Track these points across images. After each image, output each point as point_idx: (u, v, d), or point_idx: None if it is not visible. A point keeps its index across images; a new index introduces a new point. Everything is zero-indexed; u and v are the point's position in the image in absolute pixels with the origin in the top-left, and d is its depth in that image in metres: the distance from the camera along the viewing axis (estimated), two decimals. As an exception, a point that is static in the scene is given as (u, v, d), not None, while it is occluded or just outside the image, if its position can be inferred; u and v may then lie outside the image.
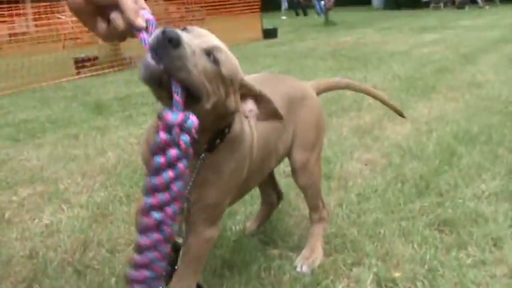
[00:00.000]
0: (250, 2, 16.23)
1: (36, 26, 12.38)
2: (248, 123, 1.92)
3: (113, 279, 2.42)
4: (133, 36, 1.46)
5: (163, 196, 1.41)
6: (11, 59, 9.26)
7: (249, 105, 1.72)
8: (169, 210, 1.42)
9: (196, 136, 1.42)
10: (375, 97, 2.91)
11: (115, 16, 1.42)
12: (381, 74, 7.78)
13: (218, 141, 1.77)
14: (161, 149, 1.40)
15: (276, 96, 2.06)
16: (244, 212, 3.07)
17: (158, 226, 1.42)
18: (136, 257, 1.44)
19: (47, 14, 11.52)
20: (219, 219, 2.01)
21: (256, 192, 3.23)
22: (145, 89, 1.53)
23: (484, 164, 3.66)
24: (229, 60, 1.62)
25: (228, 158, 1.85)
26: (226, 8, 15.48)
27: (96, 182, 3.75)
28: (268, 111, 1.75)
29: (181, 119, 1.40)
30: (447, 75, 7.47)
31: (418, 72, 7.85)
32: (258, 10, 16.39)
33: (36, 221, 3.15)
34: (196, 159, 1.73)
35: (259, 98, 1.73)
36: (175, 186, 1.41)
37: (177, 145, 1.40)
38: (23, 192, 3.63)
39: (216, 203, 1.92)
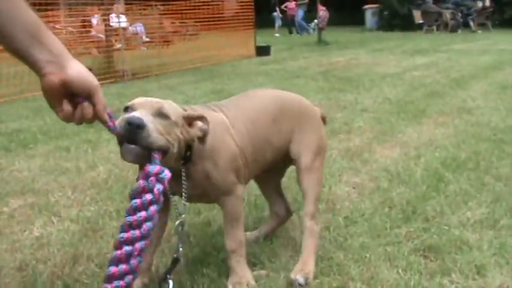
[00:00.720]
0: (244, 19, 16.29)
1: (30, 34, 12.33)
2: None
3: (102, 295, 2.45)
4: (91, 121, 1.75)
5: (134, 232, 1.71)
6: (4, 67, 9.25)
7: (199, 125, 2.16)
8: (138, 245, 1.70)
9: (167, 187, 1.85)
10: None
11: (87, 106, 1.69)
12: (371, 97, 7.86)
13: (189, 153, 2.19)
14: (139, 193, 1.74)
15: (265, 96, 2.73)
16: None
17: (127, 258, 1.70)
18: (106, 286, 1.71)
19: (41, 23, 11.49)
20: (238, 182, 2.41)
21: (253, 209, 3.27)
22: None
23: (470, 191, 3.70)
24: (173, 108, 2.10)
25: (216, 146, 2.30)
26: (220, 23, 15.53)
27: (86, 196, 3.78)
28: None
29: (158, 170, 1.79)
30: (438, 99, 7.55)
31: (409, 95, 7.93)
32: (251, 27, 16.46)
33: (26, 232, 3.18)
34: (178, 173, 2.17)
35: (200, 117, 2.17)
36: (146, 226, 1.72)
37: (151, 191, 1.74)
38: (13, 204, 3.65)
39: (221, 180, 2.33)
